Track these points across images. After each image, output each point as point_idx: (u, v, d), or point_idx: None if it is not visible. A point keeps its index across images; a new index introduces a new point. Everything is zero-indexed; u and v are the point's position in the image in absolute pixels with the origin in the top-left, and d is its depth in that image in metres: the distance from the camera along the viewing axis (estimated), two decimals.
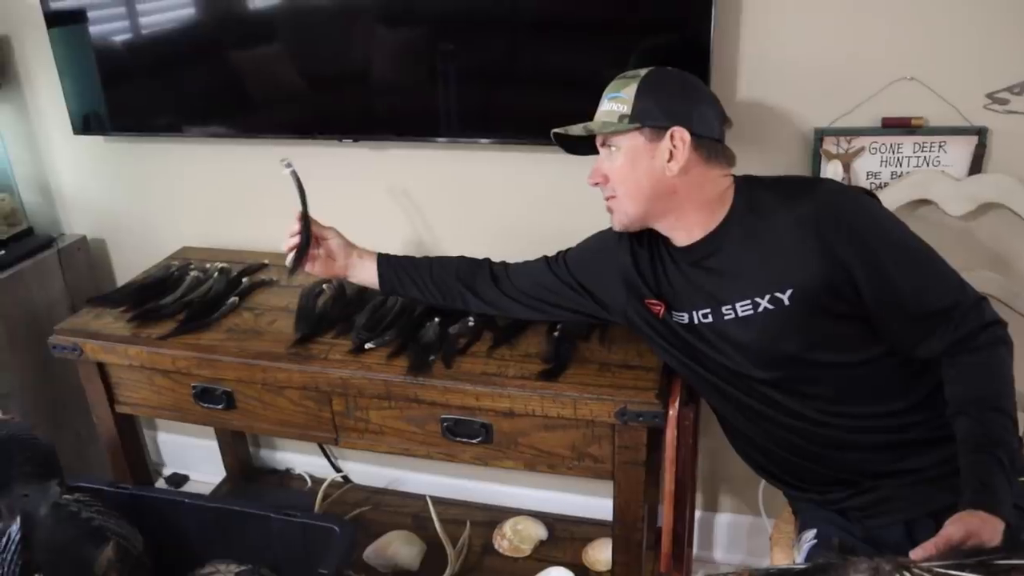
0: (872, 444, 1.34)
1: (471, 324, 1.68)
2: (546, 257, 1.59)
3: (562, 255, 1.58)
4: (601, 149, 1.40)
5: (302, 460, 2.48)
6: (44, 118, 2.24)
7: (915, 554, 1.05)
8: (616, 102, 1.34)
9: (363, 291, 1.81)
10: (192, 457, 2.56)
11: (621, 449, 1.49)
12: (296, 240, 1.58)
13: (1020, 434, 1.22)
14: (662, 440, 1.48)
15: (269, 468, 2.52)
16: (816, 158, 1.68)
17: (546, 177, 1.87)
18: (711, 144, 1.33)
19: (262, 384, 1.67)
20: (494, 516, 2.18)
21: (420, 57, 1.83)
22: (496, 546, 2.10)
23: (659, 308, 1.43)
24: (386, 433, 1.64)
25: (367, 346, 1.62)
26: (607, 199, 1.40)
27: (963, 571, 1.01)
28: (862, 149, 1.66)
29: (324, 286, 1.85)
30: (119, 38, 2.02)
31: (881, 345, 1.30)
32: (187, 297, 1.88)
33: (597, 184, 1.40)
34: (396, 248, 2.03)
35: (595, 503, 2.16)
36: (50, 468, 1.55)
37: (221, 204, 2.20)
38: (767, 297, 1.30)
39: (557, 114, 1.49)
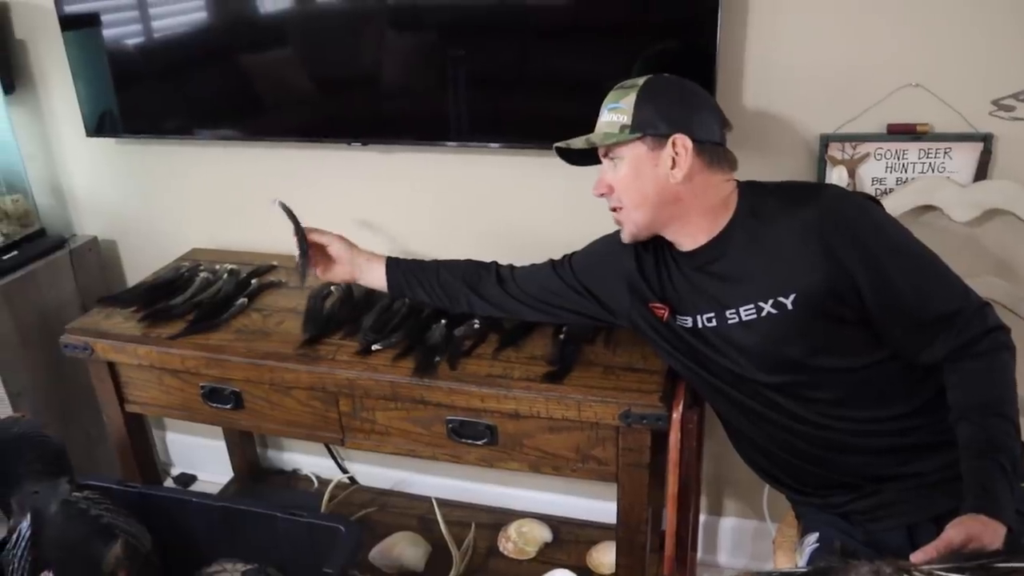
0: (874, 448, 1.34)
1: (477, 327, 1.69)
2: (552, 261, 1.60)
3: (568, 259, 1.59)
4: (604, 160, 1.40)
5: (309, 461, 2.49)
6: (57, 120, 2.26)
7: (916, 557, 1.06)
8: (616, 112, 1.35)
9: (371, 293, 1.82)
10: (200, 457, 2.58)
11: (625, 451, 1.50)
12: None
13: (1022, 440, 1.23)
14: (666, 443, 1.49)
15: (276, 469, 2.54)
16: (821, 164, 1.69)
17: (554, 181, 1.88)
18: (713, 149, 1.34)
19: (270, 384, 1.68)
20: (499, 518, 2.19)
21: (430, 62, 1.85)
22: (501, 548, 2.10)
23: (663, 312, 1.43)
24: (392, 434, 1.65)
25: (374, 347, 1.63)
26: (613, 210, 1.41)
27: (964, 574, 1.02)
28: (867, 155, 1.66)
29: (332, 288, 1.87)
30: (132, 41, 2.05)
31: (884, 350, 1.31)
32: (197, 298, 1.89)
33: (603, 195, 1.41)
34: (404, 251, 2.06)
35: (600, 506, 2.16)
36: (60, 466, 1.57)
37: (231, 206, 2.22)
38: (771, 302, 1.30)
39: (566, 119, 1.50)
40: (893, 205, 1.61)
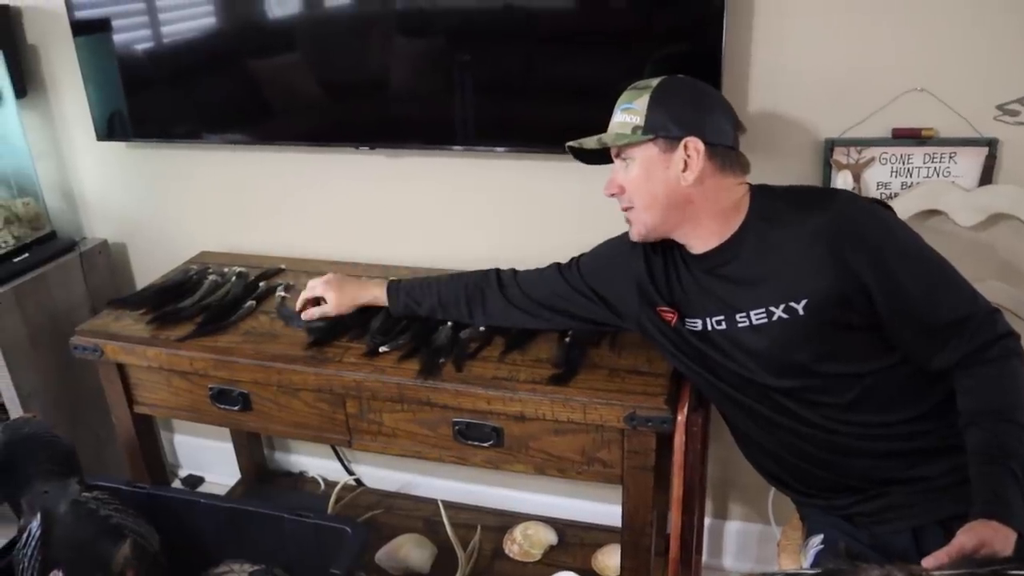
0: (881, 451, 1.35)
1: (482, 329, 1.70)
2: (558, 264, 1.61)
3: (575, 261, 1.59)
4: (616, 160, 1.41)
5: (316, 463, 2.50)
6: (68, 124, 2.29)
7: (927, 562, 1.06)
8: (629, 113, 1.35)
9: None
10: (208, 459, 2.59)
11: (630, 454, 1.51)
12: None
13: None
14: (671, 446, 1.49)
15: (283, 471, 2.55)
16: (826, 168, 1.69)
17: (560, 184, 1.89)
18: (725, 152, 1.35)
19: (277, 386, 1.70)
20: (505, 521, 2.20)
21: (437, 67, 1.87)
22: (506, 550, 2.11)
23: (671, 316, 1.44)
24: (399, 436, 1.66)
25: (381, 349, 1.64)
26: (624, 210, 1.42)
27: None
28: (872, 159, 1.67)
29: None
30: (141, 46, 2.07)
31: (893, 355, 1.31)
32: (205, 300, 1.91)
33: (613, 195, 1.42)
34: (410, 254, 2.07)
35: (605, 509, 2.17)
36: (70, 466, 1.58)
37: (239, 209, 2.23)
38: (781, 307, 1.31)
39: (572, 123, 1.51)
40: (898, 209, 1.61)
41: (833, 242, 1.26)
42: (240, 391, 1.74)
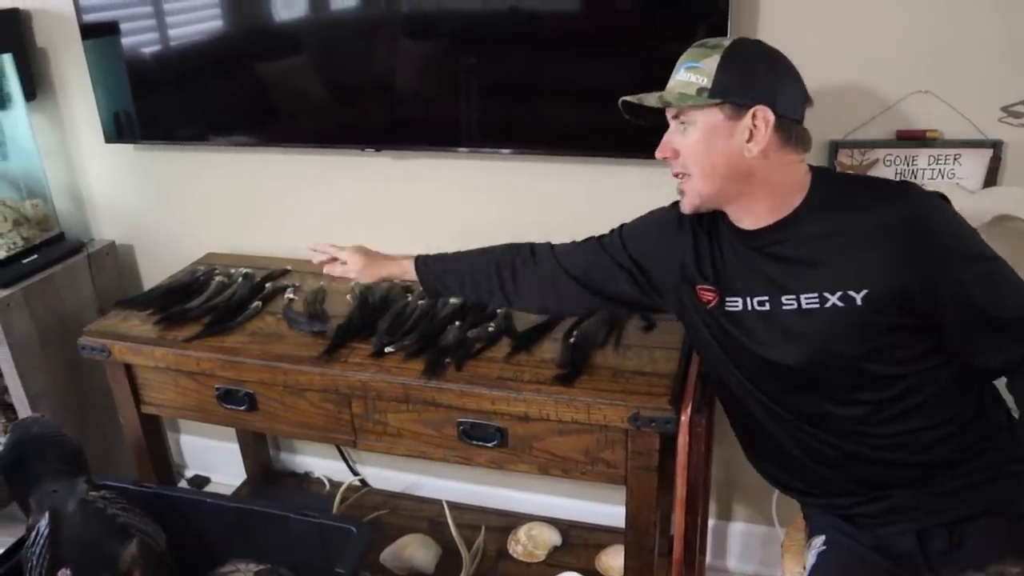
0: (895, 460, 1.32)
1: (491, 329, 1.70)
2: (597, 237, 1.54)
3: (618, 231, 1.52)
4: (672, 121, 1.31)
5: (321, 464, 2.51)
6: (77, 127, 2.30)
7: None
8: (694, 73, 1.25)
9: (386, 296, 1.85)
10: (214, 459, 2.60)
11: (634, 454, 1.51)
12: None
13: None
14: (675, 447, 1.50)
15: (289, 471, 2.56)
16: None
17: (566, 186, 1.90)
18: (792, 126, 1.26)
19: (283, 386, 1.71)
20: (509, 521, 2.20)
21: (442, 69, 1.88)
22: (511, 551, 2.12)
23: (711, 296, 1.38)
24: (404, 436, 1.67)
25: (387, 349, 1.65)
26: (676, 175, 1.33)
27: None
28: (876, 161, 1.67)
29: (348, 296, 1.89)
30: (149, 50, 2.08)
31: (935, 358, 1.27)
32: (212, 301, 1.92)
33: (666, 158, 1.32)
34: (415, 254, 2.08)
35: (609, 510, 2.17)
36: (78, 466, 1.60)
37: (246, 211, 2.24)
38: (838, 294, 1.24)
39: (575, 125, 1.51)
40: None
41: (908, 239, 1.20)
42: (246, 391, 1.75)
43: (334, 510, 2.21)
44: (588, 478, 1.59)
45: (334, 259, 1.68)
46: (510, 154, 1.91)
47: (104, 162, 2.33)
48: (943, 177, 1.65)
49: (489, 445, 1.60)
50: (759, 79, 1.23)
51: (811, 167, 1.32)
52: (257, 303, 1.89)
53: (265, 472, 2.49)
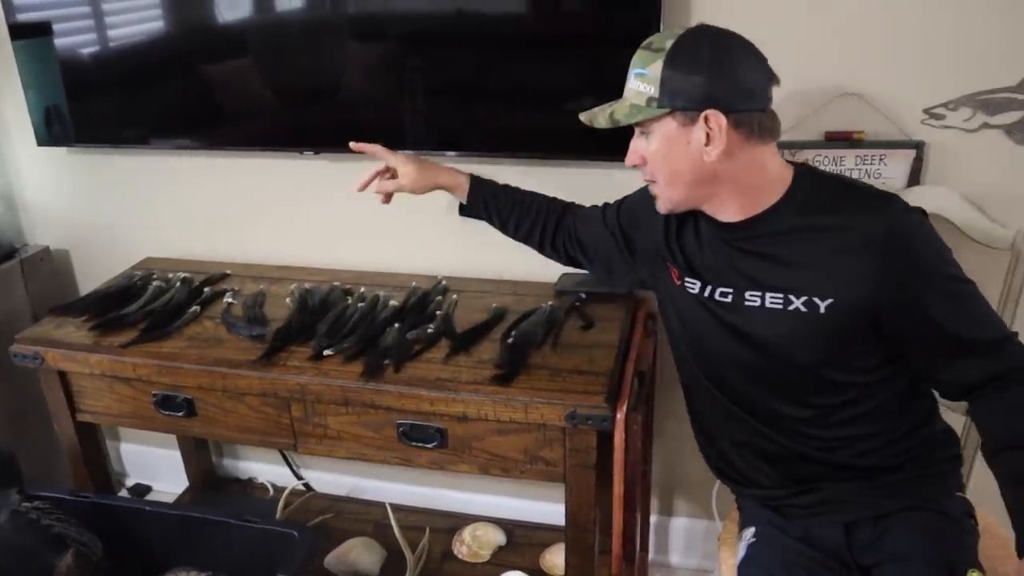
0: (838, 462, 1.34)
1: (430, 331, 1.71)
2: (604, 204, 1.59)
3: (619, 200, 1.57)
4: (636, 128, 1.29)
5: (265, 469, 2.49)
6: (8, 129, 2.25)
7: None
8: (643, 81, 1.22)
9: (326, 299, 1.85)
10: (155, 467, 2.57)
11: (572, 452, 1.53)
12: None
13: None
14: (612, 444, 1.52)
15: (232, 477, 2.53)
16: None
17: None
18: (752, 118, 1.21)
19: (222, 391, 1.69)
20: (454, 522, 2.21)
21: (388, 72, 1.88)
22: (455, 552, 2.13)
23: (676, 275, 1.40)
24: (344, 438, 1.67)
25: (326, 352, 1.65)
26: (647, 181, 1.33)
27: None
28: (806, 161, 1.71)
29: (287, 300, 1.88)
30: (86, 50, 2.05)
31: (889, 370, 1.29)
32: (149, 306, 1.89)
33: (636, 165, 1.31)
34: (357, 258, 2.08)
35: (553, 509, 2.19)
36: (10, 476, 1.57)
37: (185, 215, 2.22)
38: (803, 299, 1.24)
39: (521, 128, 1.52)
40: None
41: (883, 255, 1.19)
42: (185, 397, 1.73)
43: (278, 515, 2.19)
44: (528, 477, 1.60)
45: (382, 174, 1.67)
46: (455, 157, 1.91)
47: (38, 165, 2.28)
48: (869, 177, 1.71)
49: (429, 446, 1.61)
50: (705, 79, 1.18)
51: (796, 166, 1.30)
52: (195, 308, 1.87)
53: (208, 479, 2.46)
